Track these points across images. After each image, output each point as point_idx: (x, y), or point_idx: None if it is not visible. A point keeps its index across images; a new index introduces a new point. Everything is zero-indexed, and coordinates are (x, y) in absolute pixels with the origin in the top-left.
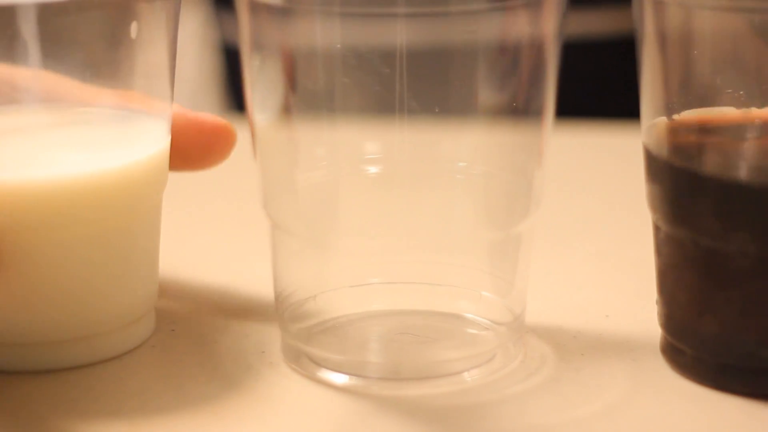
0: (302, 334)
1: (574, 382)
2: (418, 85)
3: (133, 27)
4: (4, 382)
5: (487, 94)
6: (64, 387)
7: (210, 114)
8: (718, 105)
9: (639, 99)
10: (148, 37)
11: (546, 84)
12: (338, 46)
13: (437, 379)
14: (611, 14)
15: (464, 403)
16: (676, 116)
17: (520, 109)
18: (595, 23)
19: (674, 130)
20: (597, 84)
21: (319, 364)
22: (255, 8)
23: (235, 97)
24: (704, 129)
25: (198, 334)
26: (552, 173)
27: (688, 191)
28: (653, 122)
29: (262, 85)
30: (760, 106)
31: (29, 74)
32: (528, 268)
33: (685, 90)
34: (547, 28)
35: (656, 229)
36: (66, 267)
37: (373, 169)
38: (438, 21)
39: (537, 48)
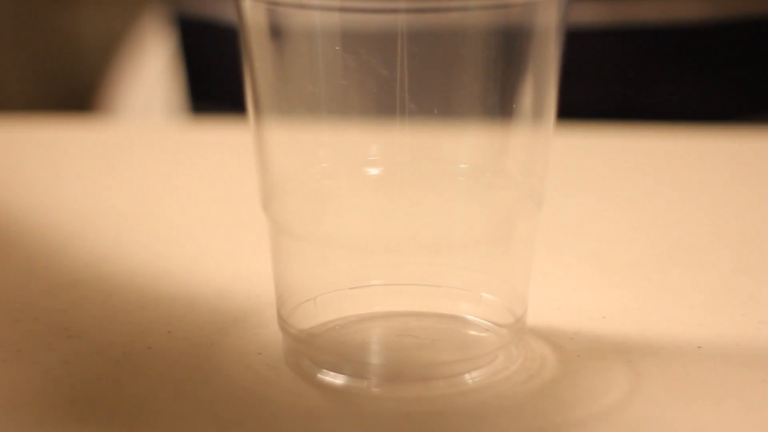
0: (302, 336)
1: (572, 383)
2: (418, 86)
3: None
4: (1, 385)
5: (487, 95)
6: (61, 388)
7: None
8: None
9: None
10: None
11: (547, 85)
12: (337, 47)
13: (438, 381)
14: (607, 3)
15: (465, 405)
16: None
17: (520, 110)
18: (588, 13)
19: None
20: (593, 80)
21: (319, 365)
22: (255, 8)
23: (193, 98)
24: None
25: (195, 336)
26: (550, 174)
27: None
28: None
29: (262, 86)
30: None
31: None
32: (529, 269)
33: None
34: (549, 28)
35: None
36: None
37: (373, 171)
38: (438, 22)
39: (538, 49)
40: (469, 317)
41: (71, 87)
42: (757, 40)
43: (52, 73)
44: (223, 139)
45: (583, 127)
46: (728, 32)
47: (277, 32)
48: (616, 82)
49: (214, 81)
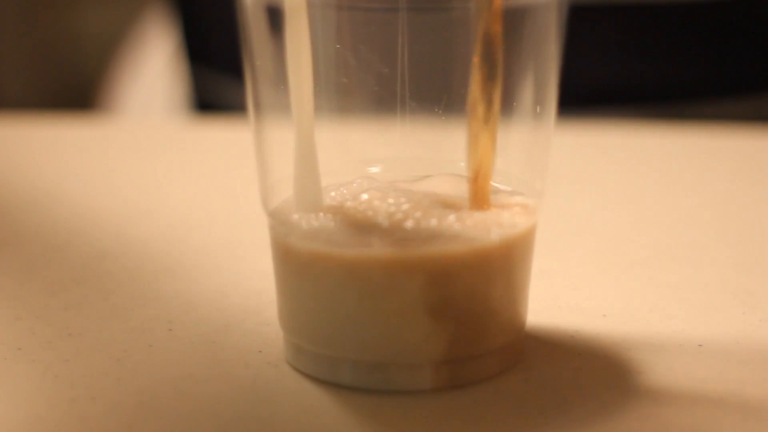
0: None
1: (572, 381)
2: (418, 84)
3: None
4: (2, 383)
5: None
6: (61, 386)
7: None
8: None
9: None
10: None
11: (548, 82)
12: (338, 45)
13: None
14: None
15: (465, 404)
16: None
17: (520, 107)
18: None
19: None
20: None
21: (319, 363)
22: (255, 7)
23: (192, 64)
24: None
25: (196, 334)
26: (551, 172)
27: None
28: None
29: (263, 85)
30: None
31: None
32: (529, 267)
33: None
34: (549, 26)
35: None
36: None
37: (374, 169)
38: (438, 20)
39: (538, 47)
40: None
41: (73, 84)
42: (758, 18)
43: (53, 71)
44: (224, 137)
45: (583, 124)
46: (729, 9)
47: (277, 31)
48: (615, 58)
49: (213, 47)
